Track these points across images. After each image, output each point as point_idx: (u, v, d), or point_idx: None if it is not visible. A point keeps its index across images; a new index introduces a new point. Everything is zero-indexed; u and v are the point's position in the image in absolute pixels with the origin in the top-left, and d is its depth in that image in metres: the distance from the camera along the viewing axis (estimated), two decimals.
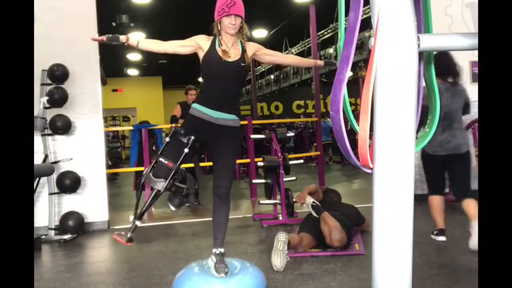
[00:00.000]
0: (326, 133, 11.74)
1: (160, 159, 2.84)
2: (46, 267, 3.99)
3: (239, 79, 3.04)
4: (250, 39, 3.14)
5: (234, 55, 2.95)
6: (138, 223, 2.84)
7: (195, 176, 3.23)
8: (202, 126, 2.95)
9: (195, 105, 3.01)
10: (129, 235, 2.79)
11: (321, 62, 3.56)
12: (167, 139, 2.94)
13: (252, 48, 3.05)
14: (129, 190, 8.43)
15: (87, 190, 5.21)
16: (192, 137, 2.87)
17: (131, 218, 2.88)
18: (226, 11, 2.88)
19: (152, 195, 2.85)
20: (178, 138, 2.90)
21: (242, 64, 2.96)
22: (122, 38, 2.88)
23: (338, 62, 1.36)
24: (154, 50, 3.06)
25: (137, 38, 2.98)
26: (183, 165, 3.04)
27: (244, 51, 2.99)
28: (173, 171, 2.81)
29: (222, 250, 2.96)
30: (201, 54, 2.99)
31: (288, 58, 3.33)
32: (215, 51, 2.94)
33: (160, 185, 2.80)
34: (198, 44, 2.99)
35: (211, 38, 3.00)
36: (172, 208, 2.91)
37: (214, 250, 2.97)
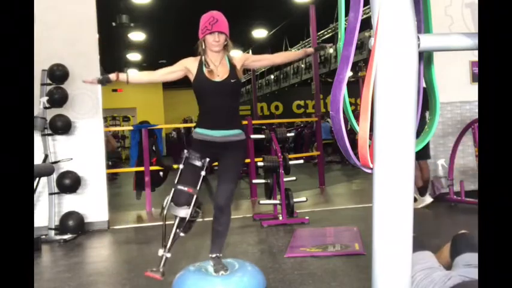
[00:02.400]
0: (326, 132, 11.74)
1: (179, 187, 2.82)
2: (46, 267, 3.99)
3: (232, 95, 3.02)
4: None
5: (222, 73, 2.94)
6: (168, 255, 2.81)
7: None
8: (209, 147, 2.95)
9: (197, 130, 3.01)
10: (161, 269, 2.79)
11: (310, 49, 3.57)
12: (181, 166, 2.90)
13: (239, 61, 3.05)
14: (129, 190, 8.42)
15: (87, 190, 5.21)
16: (207, 159, 2.87)
17: (161, 251, 2.82)
18: (209, 29, 2.89)
19: (176, 223, 2.83)
20: (191, 163, 2.88)
21: (232, 81, 2.95)
22: (112, 76, 2.94)
23: (338, 62, 1.36)
24: (145, 81, 3.16)
25: (125, 74, 2.99)
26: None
27: (233, 67, 2.98)
28: (195, 196, 2.80)
29: (219, 254, 2.97)
30: (191, 77, 3.00)
31: (278, 57, 3.36)
32: (202, 73, 2.94)
33: (184, 212, 2.79)
34: (187, 67, 2.99)
35: (198, 58, 2.99)
36: (182, 234, 2.89)
37: (210, 255, 2.97)
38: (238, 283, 2.80)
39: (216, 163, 3.07)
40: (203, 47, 2.96)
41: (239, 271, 2.90)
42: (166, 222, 2.83)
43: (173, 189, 2.86)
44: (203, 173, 2.86)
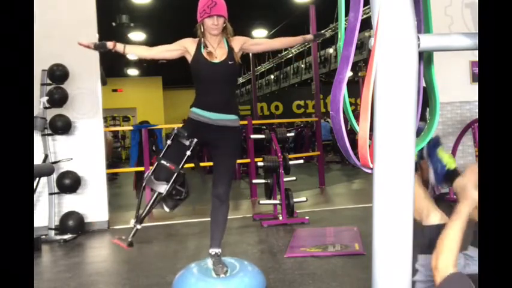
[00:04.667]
0: (326, 132, 11.74)
1: (162, 161, 2.81)
2: (46, 267, 3.99)
3: (230, 78, 3.02)
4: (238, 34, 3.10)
5: (220, 55, 2.95)
6: (138, 226, 2.80)
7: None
8: (202, 129, 2.95)
9: (193, 109, 3.01)
10: (129, 239, 2.76)
11: (310, 36, 3.53)
12: (168, 142, 2.90)
13: (238, 43, 3.03)
14: (129, 190, 8.43)
15: (87, 190, 5.21)
16: (195, 140, 2.85)
17: (132, 221, 2.82)
18: (207, 12, 2.88)
19: (153, 198, 2.82)
20: (179, 141, 2.87)
21: (230, 63, 2.94)
22: (109, 44, 2.90)
23: (338, 62, 1.36)
24: (141, 55, 3.12)
25: (122, 45, 2.96)
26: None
27: (231, 49, 2.98)
28: (175, 174, 2.79)
29: (218, 251, 2.95)
30: (188, 58, 2.99)
31: (276, 42, 3.34)
32: (201, 53, 2.94)
33: (163, 187, 2.77)
34: (185, 47, 2.99)
35: (197, 40, 2.99)
36: (167, 209, 2.89)
37: (210, 251, 2.96)
38: (239, 283, 2.79)
39: (211, 163, 3.04)
40: (202, 30, 2.96)
41: (239, 271, 2.90)
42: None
43: (156, 163, 2.84)
44: (188, 152, 2.84)
